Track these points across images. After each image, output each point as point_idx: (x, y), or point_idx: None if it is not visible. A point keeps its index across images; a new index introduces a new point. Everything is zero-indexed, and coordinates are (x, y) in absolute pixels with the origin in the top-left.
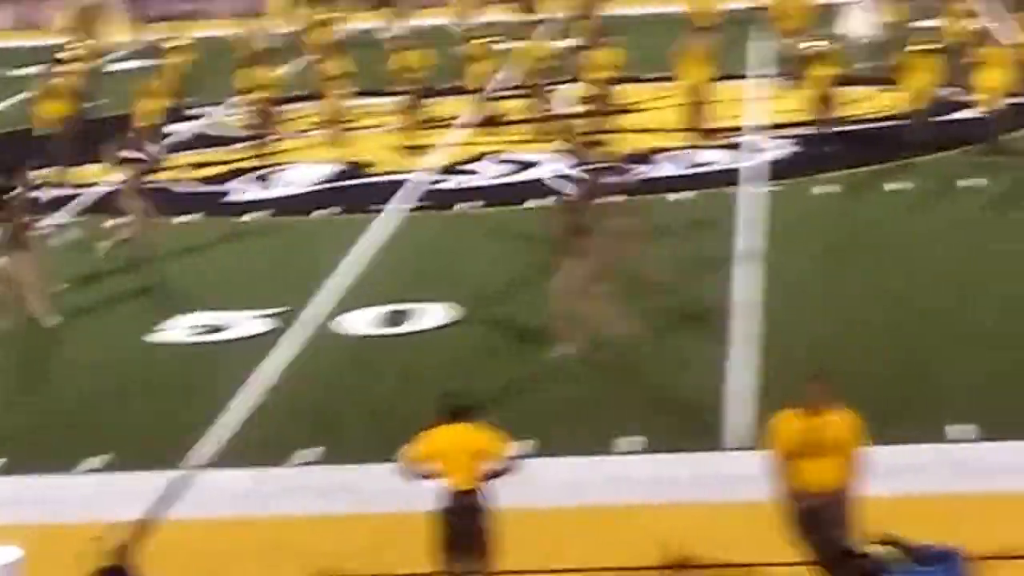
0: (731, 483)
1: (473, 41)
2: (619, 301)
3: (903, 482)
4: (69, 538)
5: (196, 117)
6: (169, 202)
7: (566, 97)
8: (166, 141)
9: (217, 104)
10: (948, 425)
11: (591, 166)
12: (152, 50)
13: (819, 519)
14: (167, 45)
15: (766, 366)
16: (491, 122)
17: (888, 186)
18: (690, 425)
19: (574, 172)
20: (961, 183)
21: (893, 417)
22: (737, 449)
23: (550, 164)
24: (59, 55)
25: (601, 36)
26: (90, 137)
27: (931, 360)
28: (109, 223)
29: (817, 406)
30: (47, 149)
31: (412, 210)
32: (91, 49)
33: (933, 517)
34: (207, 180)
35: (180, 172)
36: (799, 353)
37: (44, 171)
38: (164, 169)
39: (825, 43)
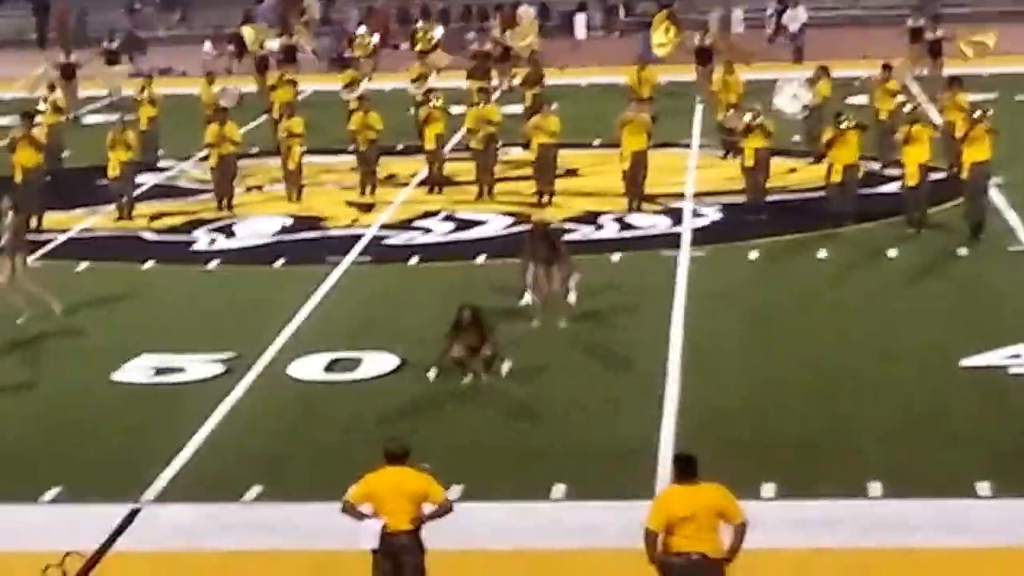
0: None
1: (430, 104)
2: None
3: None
4: (22, 567)
5: (164, 169)
6: (140, 249)
7: (514, 159)
8: (136, 192)
9: (185, 158)
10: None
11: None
12: (125, 104)
13: None
14: (139, 99)
15: (689, 423)
16: (442, 182)
17: (812, 255)
18: (621, 475)
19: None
20: (884, 253)
21: (814, 474)
22: None
23: (495, 223)
24: (36, 107)
25: (547, 103)
26: (61, 186)
27: (849, 419)
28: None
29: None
30: (18, 196)
31: (363, 263)
32: (66, 101)
33: (847, 570)
34: (173, 229)
35: (147, 221)
36: (720, 410)
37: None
38: (133, 217)
39: (760, 117)
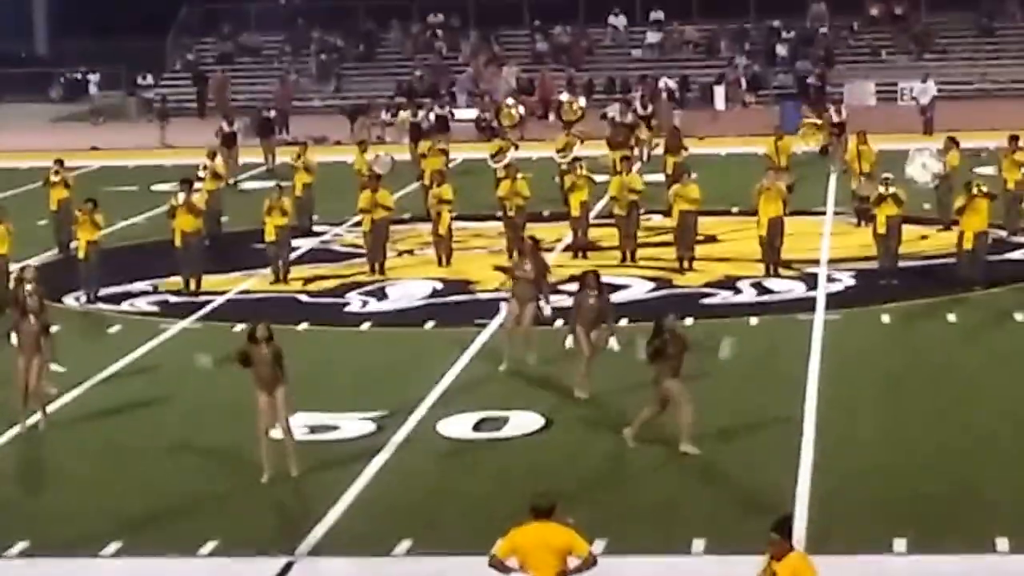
0: None
1: (575, 172)
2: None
3: None
4: None
5: (319, 234)
6: (295, 310)
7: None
8: (292, 255)
9: (339, 223)
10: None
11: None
12: (281, 171)
13: None
14: (295, 166)
15: (824, 481)
16: (586, 247)
17: (943, 318)
18: (759, 531)
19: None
20: (1012, 317)
21: (943, 530)
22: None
23: (638, 287)
24: (196, 174)
25: (687, 172)
26: (220, 249)
27: (979, 478)
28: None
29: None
30: (180, 259)
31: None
32: (226, 168)
33: None
34: (327, 292)
35: (302, 284)
36: (854, 469)
37: (175, 279)
38: (288, 280)
39: (892, 186)
